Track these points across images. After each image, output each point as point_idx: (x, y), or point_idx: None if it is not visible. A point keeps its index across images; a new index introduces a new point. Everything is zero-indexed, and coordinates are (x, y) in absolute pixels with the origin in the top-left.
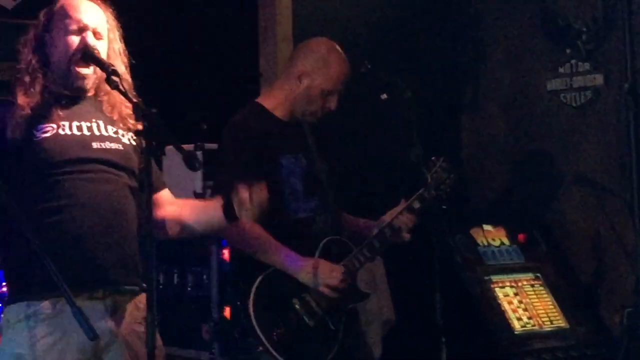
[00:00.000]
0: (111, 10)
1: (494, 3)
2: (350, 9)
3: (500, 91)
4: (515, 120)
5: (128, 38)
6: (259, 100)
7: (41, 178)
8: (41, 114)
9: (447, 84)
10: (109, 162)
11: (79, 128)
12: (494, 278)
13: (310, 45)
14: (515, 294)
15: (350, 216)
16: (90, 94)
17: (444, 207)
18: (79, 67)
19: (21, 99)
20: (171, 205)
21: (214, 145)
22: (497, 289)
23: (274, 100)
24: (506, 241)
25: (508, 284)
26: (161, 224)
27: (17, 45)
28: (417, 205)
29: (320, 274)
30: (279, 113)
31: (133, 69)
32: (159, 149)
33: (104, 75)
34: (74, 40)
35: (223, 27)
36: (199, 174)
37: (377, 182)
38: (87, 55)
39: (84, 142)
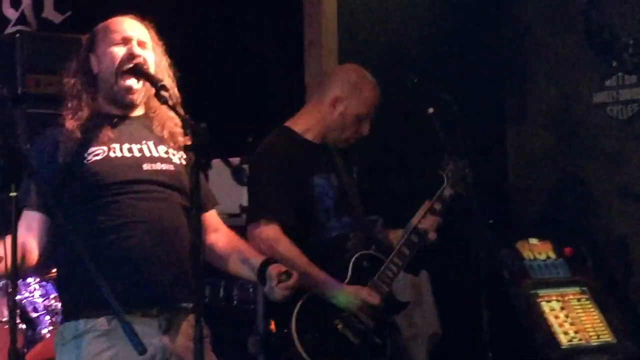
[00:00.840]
0: (153, 28)
1: (540, 16)
2: (396, 23)
3: (545, 104)
4: (561, 133)
5: (175, 52)
6: (288, 124)
7: (93, 199)
8: (91, 137)
9: (492, 97)
10: (160, 182)
11: (130, 150)
12: (540, 292)
13: (342, 72)
14: (562, 308)
15: (387, 230)
16: (139, 110)
17: (491, 221)
18: (126, 79)
19: (70, 123)
20: (215, 233)
21: None
22: (543, 304)
23: (304, 124)
24: (552, 255)
25: (554, 298)
26: (207, 246)
27: (62, 72)
28: (438, 206)
29: (356, 301)
30: (309, 136)
31: (179, 82)
32: (207, 163)
33: (152, 90)
34: (119, 50)
35: (269, 40)
36: (245, 188)
37: (423, 195)
38: (136, 70)
39: (134, 164)
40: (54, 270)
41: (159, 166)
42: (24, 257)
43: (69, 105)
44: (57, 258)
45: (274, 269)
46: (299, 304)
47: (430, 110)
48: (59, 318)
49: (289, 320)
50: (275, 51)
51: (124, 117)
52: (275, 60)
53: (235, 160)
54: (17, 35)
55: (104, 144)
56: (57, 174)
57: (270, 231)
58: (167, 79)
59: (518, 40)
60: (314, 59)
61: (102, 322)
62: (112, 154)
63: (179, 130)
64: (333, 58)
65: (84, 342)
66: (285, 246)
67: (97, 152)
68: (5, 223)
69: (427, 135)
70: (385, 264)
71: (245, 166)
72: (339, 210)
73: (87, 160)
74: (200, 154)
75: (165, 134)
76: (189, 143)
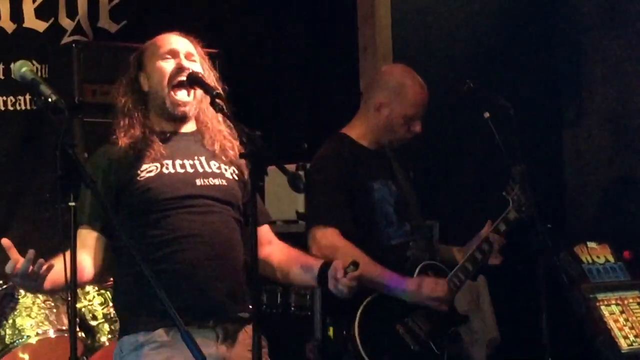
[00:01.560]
0: (199, 43)
1: (597, 19)
2: (450, 27)
3: (602, 107)
4: (618, 136)
5: (230, 59)
6: (344, 131)
7: (147, 215)
8: (144, 154)
9: (549, 100)
10: (213, 197)
11: (182, 166)
12: (600, 296)
13: (385, 75)
14: (622, 312)
15: (441, 245)
16: (191, 126)
17: (549, 225)
18: (177, 92)
19: (122, 141)
20: (269, 246)
21: None
22: (602, 307)
23: (358, 131)
24: (611, 258)
25: (614, 302)
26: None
27: (112, 91)
28: (502, 227)
29: (425, 288)
30: (364, 142)
31: (234, 91)
32: (263, 171)
33: (203, 103)
34: (168, 64)
35: (323, 46)
36: (300, 194)
37: (479, 199)
38: (191, 79)
39: (187, 179)
40: (112, 279)
41: (211, 181)
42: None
43: (121, 123)
44: (113, 273)
45: (338, 263)
46: (362, 305)
47: (486, 114)
48: (117, 326)
49: (351, 322)
50: (330, 57)
51: (176, 133)
52: (330, 66)
53: (291, 167)
54: (74, 45)
55: (156, 160)
56: (112, 192)
57: (331, 235)
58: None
59: (575, 44)
60: (368, 64)
61: (160, 334)
62: (165, 170)
63: (229, 144)
64: (388, 63)
65: (142, 354)
66: (348, 248)
67: (150, 169)
68: (64, 233)
69: (483, 139)
70: (449, 276)
71: (301, 173)
72: (399, 218)
73: (140, 177)
74: (256, 161)
75: (217, 148)
76: (242, 152)
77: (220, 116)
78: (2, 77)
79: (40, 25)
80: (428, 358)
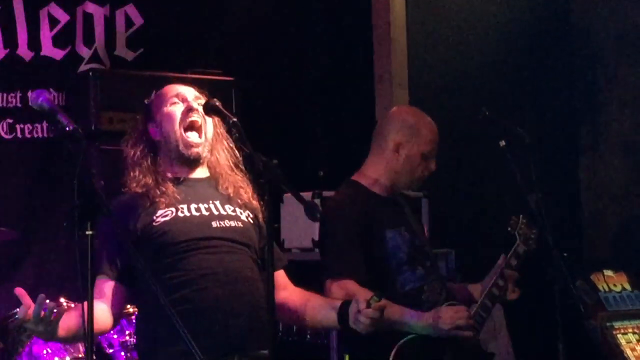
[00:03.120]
0: (205, 94)
1: (614, 46)
2: (466, 56)
3: (618, 132)
4: (634, 161)
5: (246, 88)
6: (355, 178)
7: (165, 258)
8: (158, 200)
9: (564, 126)
10: (230, 238)
11: (197, 209)
12: (616, 324)
13: (397, 116)
14: (638, 341)
15: (456, 284)
16: (203, 171)
17: (565, 253)
18: (188, 134)
19: (135, 190)
20: (284, 291)
21: (332, 193)
22: (619, 336)
23: (371, 177)
24: (628, 286)
25: (630, 330)
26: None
27: (122, 144)
28: (514, 262)
29: (446, 318)
30: (377, 189)
31: (249, 118)
32: (279, 198)
33: (215, 148)
34: (177, 108)
35: (339, 74)
36: (317, 222)
37: (495, 228)
38: (208, 107)
39: (203, 222)
40: (128, 306)
41: (227, 223)
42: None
43: (131, 174)
44: (139, 313)
45: (360, 297)
46: (397, 345)
47: (502, 142)
48: (133, 354)
49: None
50: (346, 85)
51: (189, 179)
52: (346, 95)
53: (307, 196)
54: (91, 73)
55: (171, 205)
56: (130, 241)
57: (347, 285)
58: (224, 147)
59: (591, 71)
60: (384, 92)
61: None
62: (180, 214)
63: (243, 188)
64: (403, 92)
65: None
66: (365, 294)
67: (165, 214)
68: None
69: (499, 167)
70: (471, 314)
71: (317, 201)
72: (412, 263)
73: (156, 222)
74: (272, 189)
75: (231, 192)
76: (260, 180)
77: (232, 161)
78: (20, 105)
79: (58, 54)
80: None
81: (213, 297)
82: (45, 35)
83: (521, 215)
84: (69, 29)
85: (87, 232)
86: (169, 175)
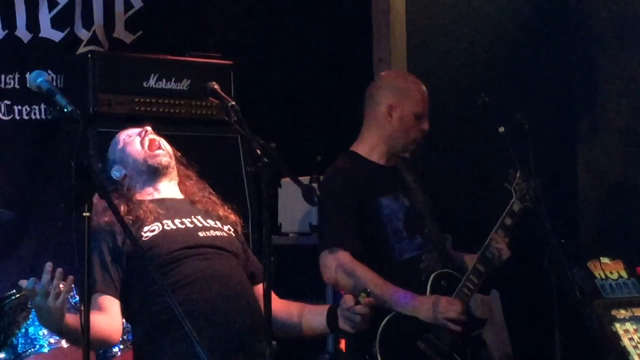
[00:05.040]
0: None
1: (612, 31)
2: (465, 40)
3: (618, 120)
4: (632, 150)
5: (244, 71)
6: (352, 148)
7: (157, 269)
8: (142, 219)
9: (563, 115)
10: (217, 246)
11: (182, 223)
12: (613, 312)
13: (385, 81)
14: (635, 329)
15: (454, 252)
16: (176, 192)
17: (562, 240)
18: (150, 150)
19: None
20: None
21: None
22: (615, 323)
23: (367, 146)
24: (624, 274)
25: (627, 318)
26: None
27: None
28: (509, 221)
29: (440, 308)
30: (374, 157)
31: (248, 103)
32: (277, 182)
33: (180, 174)
34: (136, 136)
35: (338, 58)
36: (314, 207)
37: (493, 214)
38: (209, 91)
39: (190, 232)
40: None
41: (212, 233)
42: (103, 342)
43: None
44: (136, 330)
45: (348, 296)
46: (382, 324)
47: (501, 129)
48: (129, 336)
49: (372, 342)
50: (345, 69)
51: (167, 199)
52: (345, 79)
53: (305, 180)
54: (89, 55)
55: (157, 220)
56: (122, 258)
57: (342, 257)
58: (190, 171)
59: (589, 59)
60: None
61: None
62: (167, 227)
63: (220, 207)
64: None
65: None
66: (359, 269)
67: (152, 229)
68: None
69: (497, 154)
70: (462, 281)
71: (315, 185)
72: (410, 231)
73: (145, 238)
74: (270, 172)
75: (210, 208)
76: (258, 164)
77: (200, 187)
78: (18, 87)
79: (56, 35)
80: None
81: (211, 298)
82: (44, 16)
83: (518, 170)
84: (68, 11)
85: (84, 214)
86: (147, 198)
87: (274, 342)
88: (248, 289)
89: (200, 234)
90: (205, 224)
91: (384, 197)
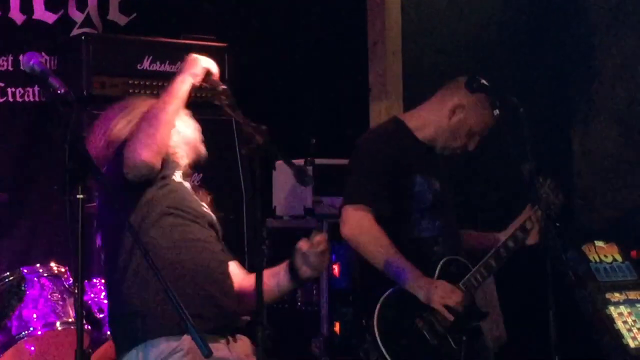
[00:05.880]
0: None
1: (607, 17)
2: (460, 24)
3: (613, 105)
4: (628, 134)
5: (239, 55)
6: (403, 118)
7: (156, 220)
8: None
9: (559, 98)
10: (213, 224)
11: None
12: (607, 295)
13: None
14: (629, 312)
15: (466, 231)
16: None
17: (558, 224)
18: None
19: None
20: (246, 277)
21: (324, 161)
22: (610, 306)
23: (418, 121)
24: (618, 258)
25: (621, 301)
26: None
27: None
28: (529, 225)
29: (440, 293)
30: (420, 135)
31: (242, 85)
32: (270, 164)
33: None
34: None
35: (333, 41)
36: (309, 189)
37: (489, 198)
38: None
39: (194, 199)
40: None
41: (207, 210)
42: None
43: None
44: (124, 286)
45: (301, 242)
46: (383, 297)
47: (496, 112)
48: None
49: (371, 313)
50: (340, 52)
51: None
52: (340, 61)
53: (299, 162)
54: (83, 37)
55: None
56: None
57: (363, 217)
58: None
59: (585, 43)
60: (378, 59)
61: (187, 340)
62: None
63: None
64: (397, 59)
65: None
66: (375, 232)
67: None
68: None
69: (492, 137)
70: (471, 272)
71: (309, 168)
72: (434, 213)
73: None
74: (263, 155)
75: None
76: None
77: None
78: (11, 69)
79: (50, 17)
80: (446, 353)
81: (201, 265)
82: None
83: (549, 179)
84: None
85: (78, 196)
86: None
87: (267, 331)
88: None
89: (205, 209)
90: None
91: (419, 175)
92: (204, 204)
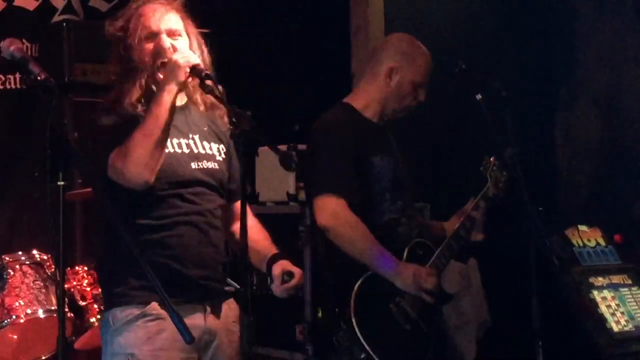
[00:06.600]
0: (187, 13)
1: (589, 3)
2: (443, 9)
3: (594, 89)
4: (610, 118)
5: (221, 42)
6: (347, 100)
7: (143, 196)
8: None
9: (540, 82)
10: (207, 183)
11: (179, 145)
12: (590, 279)
13: (392, 42)
14: (612, 296)
15: (422, 218)
16: (181, 99)
17: (540, 208)
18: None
19: (113, 118)
20: (237, 223)
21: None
22: (593, 291)
23: (362, 101)
24: (602, 242)
25: (605, 285)
26: (231, 236)
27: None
28: (482, 204)
29: (420, 278)
30: (368, 114)
31: (226, 71)
32: (253, 150)
33: (195, 80)
34: (149, 46)
35: (315, 28)
36: (291, 175)
37: (471, 181)
38: (195, 71)
39: (183, 162)
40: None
41: (205, 164)
42: None
43: (116, 95)
44: (103, 249)
45: (277, 268)
46: (357, 284)
47: (478, 96)
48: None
49: (346, 301)
50: (322, 38)
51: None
52: (322, 48)
53: (283, 148)
54: (64, 24)
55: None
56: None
57: (338, 206)
58: (201, 59)
59: (567, 26)
60: (360, 45)
61: (154, 307)
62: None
63: (220, 116)
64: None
65: (136, 326)
66: (352, 221)
67: None
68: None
69: (474, 121)
70: (435, 254)
71: (294, 153)
72: (394, 194)
73: None
74: (246, 141)
75: (210, 124)
76: (234, 131)
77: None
78: None
79: (31, 4)
80: (418, 337)
81: (185, 242)
82: None
83: (493, 157)
84: None
85: (58, 183)
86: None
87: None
88: (221, 233)
89: (193, 164)
90: (201, 149)
91: (375, 156)
92: (203, 145)
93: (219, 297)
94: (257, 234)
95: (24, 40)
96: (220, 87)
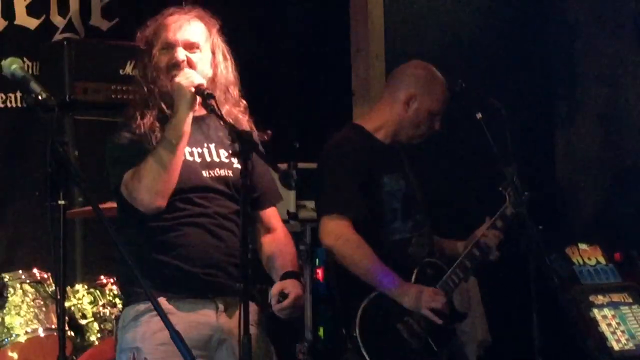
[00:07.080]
0: (214, 23)
1: (589, 18)
2: (443, 28)
3: (595, 107)
4: (610, 136)
5: None
6: (359, 122)
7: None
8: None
9: (542, 100)
10: (219, 190)
11: (191, 154)
12: (590, 298)
13: (413, 70)
14: (613, 315)
15: (437, 237)
16: (199, 110)
17: (540, 226)
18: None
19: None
20: (268, 235)
21: (307, 165)
22: (593, 309)
23: (375, 123)
24: (602, 260)
25: (605, 304)
26: (259, 246)
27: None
28: (500, 223)
29: (424, 298)
30: (379, 135)
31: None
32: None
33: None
34: (164, 58)
35: (316, 47)
36: (292, 194)
37: (472, 200)
38: (198, 91)
39: (195, 170)
40: (102, 277)
41: (217, 172)
42: None
43: (136, 110)
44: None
45: (275, 288)
46: (363, 304)
47: (479, 115)
48: (107, 325)
49: (352, 321)
50: (323, 58)
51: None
52: (323, 67)
53: (283, 166)
54: (65, 42)
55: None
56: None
57: (344, 227)
58: (225, 73)
59: (567, 43)
60: (361, 65)
61: (160, 302)
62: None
63: (240, 111)
64: (380, 64)
65: (142, 322)
66: (360, 243)
67: None
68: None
69: (475, 140)
70: (447, 273)
71: (294, 171)
72: (405, 213)
73: None
74: (246, 159)
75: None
76: (234, 150)
77: (228, 79)
78: None
79: (32, 23)
80: (428, 356)
81: (197, 243)
82: (19, 4)
83: (515, 177)
84: None
85: (59, 202)
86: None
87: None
88: (233, 236)
89: (204, 173)
90: (215, 158)
91: (386, 176)
92: (220, 153)
93: (231, 296)
94: (281, 248)
95: (24, 59)
96: (243, 102)
